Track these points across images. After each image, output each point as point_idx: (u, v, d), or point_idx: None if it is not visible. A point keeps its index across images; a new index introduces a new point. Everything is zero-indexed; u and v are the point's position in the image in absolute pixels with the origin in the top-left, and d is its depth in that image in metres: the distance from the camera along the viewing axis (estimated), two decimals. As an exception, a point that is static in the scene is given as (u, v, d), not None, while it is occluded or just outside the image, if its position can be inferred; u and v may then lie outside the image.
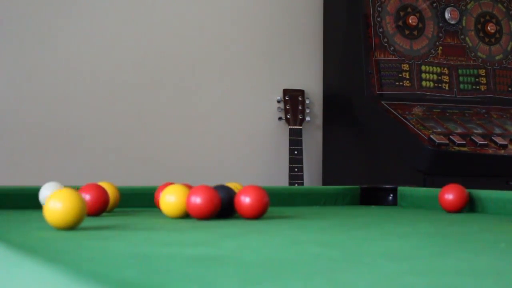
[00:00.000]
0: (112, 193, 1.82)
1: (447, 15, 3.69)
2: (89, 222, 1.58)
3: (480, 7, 3.80)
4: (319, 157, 3.86)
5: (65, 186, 1.85)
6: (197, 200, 1.59)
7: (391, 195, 2.26)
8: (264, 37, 3.85)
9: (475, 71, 3.72)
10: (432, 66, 3.63)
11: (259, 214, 1.62)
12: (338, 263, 0.94)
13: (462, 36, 3.72)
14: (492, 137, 3.32)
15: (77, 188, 1.74)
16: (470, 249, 1.13)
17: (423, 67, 3.61)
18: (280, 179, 3.68)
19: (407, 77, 3.57)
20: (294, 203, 2.23)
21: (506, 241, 1.27)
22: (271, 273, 0.83)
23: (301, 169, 3.54)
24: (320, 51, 3.90)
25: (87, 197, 1.68)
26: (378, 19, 3.56)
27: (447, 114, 3.48)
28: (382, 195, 2.28)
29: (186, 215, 1.64)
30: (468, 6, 3.77)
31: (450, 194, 1.91)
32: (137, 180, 3.30)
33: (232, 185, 1.75)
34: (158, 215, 1.71)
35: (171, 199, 1.64)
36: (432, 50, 3.65)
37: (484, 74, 3.73)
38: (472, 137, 3.28)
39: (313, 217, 1.72)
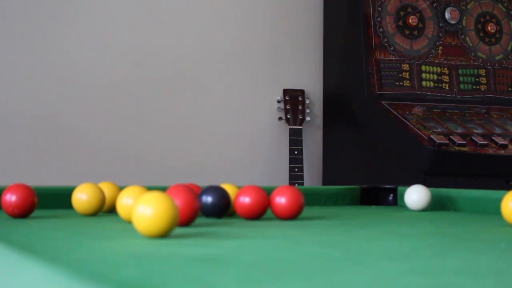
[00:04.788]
0: (113, 192, 1.82)
1: (447, 15, 3.69)
2: (88, 221, 1.58)
3: (480, 7, 3.80)
4: (319, 157, 3.86)
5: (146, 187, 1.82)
6: (246, 200, 1.60)
7: (391, 195, 2.26)
8: (264, 37, 3.85)
9: (475, 71, 3.71)
10: (432, 66, 3.63)
11: (259, 215, 1.62)
12: (338, 263, 0.94)
13: (462, 36, 3.72)
14: (492, 137, 3.32)
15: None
16: (470, 249, 1.13)
17: (423, 67, 3.61)
18: (280, 179, 3.68)
19: (407, 77, 3.57)
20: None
21: (506, 241, 1.27)
22: (271, 273, 0.83)
23: (301, 169, 3.54)
24: (320, 51, 3.90)
25: (13, 198, 1.60)
26: (378, 19, 3.56)
27: (447, 114, 3.48)
28: (382, 195, 2.28)
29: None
30: (468, 6, 3.77)
31: (282, 198, 1.60)
32: (137, 180, 3.29)
33: (228, 186, 1.75)
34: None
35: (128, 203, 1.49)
36: (432, 50, 3.65)
37: (484, 74, 3.73)
38: (472, 137, 3.28)
39: (313, 217, 1.72)
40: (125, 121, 3.60)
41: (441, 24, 3.69)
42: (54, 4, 3.52)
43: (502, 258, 1.01)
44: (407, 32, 3.61)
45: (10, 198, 1.61)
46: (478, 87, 3.70)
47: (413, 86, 3.57)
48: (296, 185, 3.48)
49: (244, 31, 3.82)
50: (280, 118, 3.74)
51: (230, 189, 1.72)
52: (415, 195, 1.95)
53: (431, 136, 3.20)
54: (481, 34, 3.77)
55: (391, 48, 3.56)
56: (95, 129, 3.56)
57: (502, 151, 3.27)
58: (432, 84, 3.61)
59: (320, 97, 3.88)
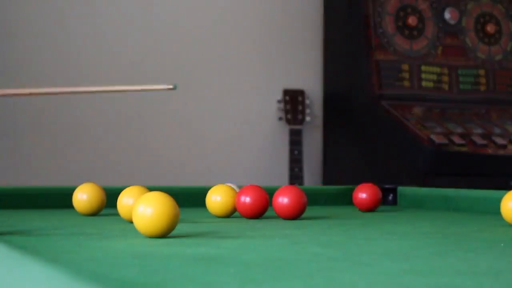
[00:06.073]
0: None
1: (446, 16, 3.69)
2: (88, 222, 1.58)
3: (479, 7, 3.80)
4: (319, 157, 3.86)
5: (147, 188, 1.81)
6: (246, 199, 1.61)
7: (391, 195, 2.26)
8: (264, 37, 3.85)
9: (475, 71, 3.72)
10: (432, 66, 3.63)
11: (259, 214, 1.62)
12: (338, 263, 0.94)
13: (462, 36, 3.72)
14: (492, 137, 3.33)
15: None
16: (470, 249, 1.13)
17: (423, 67, 3.61)
18: (280, 179, 3.68)
19: (407, 77, 3.57)
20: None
21: (506, 241, 1.27)
22: (271, 273, 0.83)
23: (301, 169, 3.55)
24: (320, 51, 3.90)
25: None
26: (378, 19, 3.57)
27: (447, 114, 3.48)
28: (382, 195, 2.28)
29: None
30: (468, 7, 3.77)
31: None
32: (137, 180, 3.30)
33: (227, 187, 1.75)
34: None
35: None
36: (432, 50, 3.65)
37: (483, 74, 3.73)
38: (472, 137, 3.28)
39: (313, 217, 1.72)
40: (125, 121, 3.61)
41: (440, 25, 3.69)
42: (56, 3, 3.52)
43: (501, 258, 1.01)
44: (406, 32, 3.61)
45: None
46: (477, 87, 3.70)
47: (413, 86, 3.57)
48: (296, 185, 3.49)
49: (244, 31, 3.82)
50: (280, 118, 3.74)
51: (228, 190, 1.72)
52: None
53: (431, 136, 3.20)
54: (481, 34, 3.77)
55: (391, 48, 3.56)
56: (96, 129, 3.56)
57: (502, 151, 3.27)
58: (431, 84, 3.61)
59: (320, 97, 3.88)
